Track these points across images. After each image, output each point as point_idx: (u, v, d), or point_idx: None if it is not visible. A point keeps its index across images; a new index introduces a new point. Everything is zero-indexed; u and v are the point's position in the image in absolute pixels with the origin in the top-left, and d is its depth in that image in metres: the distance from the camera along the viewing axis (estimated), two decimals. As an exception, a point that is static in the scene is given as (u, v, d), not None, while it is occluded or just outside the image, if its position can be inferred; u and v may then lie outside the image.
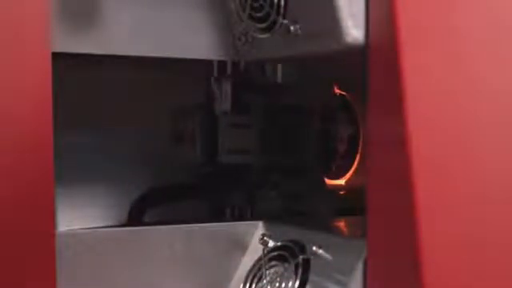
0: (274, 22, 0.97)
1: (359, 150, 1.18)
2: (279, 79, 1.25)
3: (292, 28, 0.94)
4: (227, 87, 1.20)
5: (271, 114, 1.22)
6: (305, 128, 1.23)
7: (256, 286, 1.03)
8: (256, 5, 0.99)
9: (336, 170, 1.21)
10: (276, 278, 1.00)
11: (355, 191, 1.17)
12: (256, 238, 1.07)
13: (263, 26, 0.99)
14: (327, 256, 0.96)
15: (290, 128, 1.23)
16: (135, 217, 1.20)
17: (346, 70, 1.12)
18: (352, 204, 1.17)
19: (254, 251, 1.06)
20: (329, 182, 1.23)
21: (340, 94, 1.20)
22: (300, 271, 0.98)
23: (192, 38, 1.06)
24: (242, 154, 1.20)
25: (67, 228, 1.11)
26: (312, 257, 0.98)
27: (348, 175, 1.20)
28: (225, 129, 1.19)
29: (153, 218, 1.21)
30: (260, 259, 1.04)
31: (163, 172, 1.23)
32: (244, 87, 1.22)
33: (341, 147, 1.21)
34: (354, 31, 0.88)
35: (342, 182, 1.21)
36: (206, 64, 1.20)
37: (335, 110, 1.20)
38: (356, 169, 1.19)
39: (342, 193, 1.21)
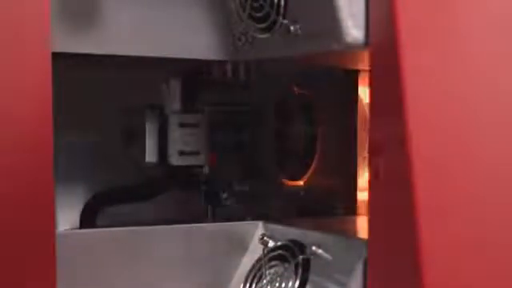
0: (274, 22, 0.97)
1: (318, 150, 1.17)
2: (238, 78, 1.21)
3: (292, 28, 0.94)
4: (177, 86, 1.17)
5: (226, 113, 1.20)
6: (262, 128, 1.21)
7: (256, 286, 1.03)
8: (256, 5, 0.99)
9: (294, 170, 1.20)
10: (276, 278, 1.00)
11: (314, 191, 1.17)
12: (256, 238, 1.07)
13: (263, 26, 0.99)
14: (327, 256, 0.96)
15: (246, 128, 1.21)
16: (86, 219, 1.19)
17: (306, 69, 1.11)
18: (311, 204, 1.17)
19: (254, 251, 1.06)
20: (287, 182, 1.22)
21: (299, 93, 1.19)
22: (300, 271, 0.98)
23: (192, 38, 1.06)
24: (193, 155, 1.17)
25: (67, 228, 1.11)
26: (312, 257, 0.98)
27: (306, 175, 1.19)
28: (174, 129, 1.16)
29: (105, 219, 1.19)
30: (260, 259, 1.03)
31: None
32: (198, 86, 1.19)
33: (299, 147, 1.20)
34: (354, 31, 0.88)
35: (300, 182, 1.20)
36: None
37: (293, 109, 1.19)
38: (315, 169, 1.17)
39: (300, 193, 1.19)
